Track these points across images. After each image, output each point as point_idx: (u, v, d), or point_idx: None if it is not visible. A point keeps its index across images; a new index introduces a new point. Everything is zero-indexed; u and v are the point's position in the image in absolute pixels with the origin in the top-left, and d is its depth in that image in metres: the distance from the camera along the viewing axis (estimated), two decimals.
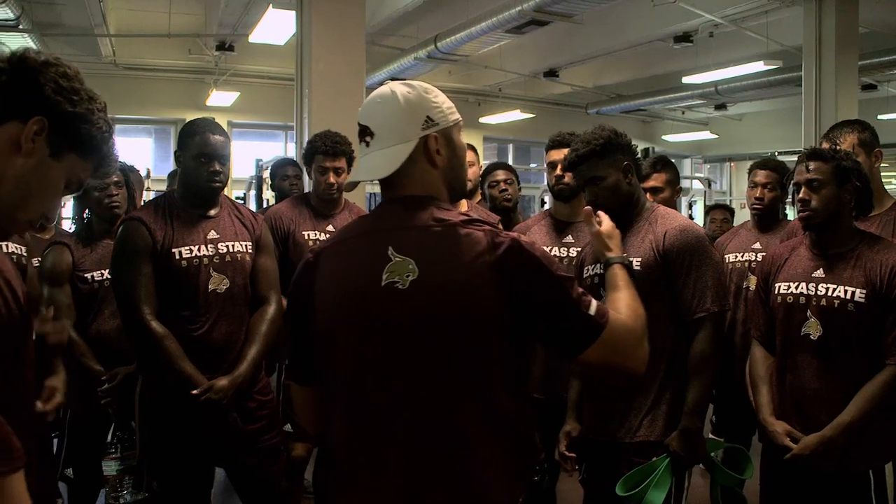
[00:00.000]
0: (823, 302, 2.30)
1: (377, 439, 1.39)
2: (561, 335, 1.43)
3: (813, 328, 2.31)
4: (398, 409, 1.38)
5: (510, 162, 11.33)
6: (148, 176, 9.37)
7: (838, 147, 2.60)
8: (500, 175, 3.74)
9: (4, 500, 0.92)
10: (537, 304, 1.39)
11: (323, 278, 1.44)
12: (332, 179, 3.28)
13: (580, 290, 1.44)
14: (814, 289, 2.33)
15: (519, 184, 3.87)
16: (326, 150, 3.27)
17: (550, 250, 2.97)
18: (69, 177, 1.22)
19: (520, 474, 1.45)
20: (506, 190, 3.69)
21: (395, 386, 1.38)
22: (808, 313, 2.32)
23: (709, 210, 5.58)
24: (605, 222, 2.02)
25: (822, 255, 2.37)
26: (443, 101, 1.48)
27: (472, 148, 4.33)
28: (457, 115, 1.50)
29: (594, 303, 1.44)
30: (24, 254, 2.78)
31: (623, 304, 1.57)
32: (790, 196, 2.56)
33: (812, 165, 2.35)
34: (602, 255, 1.94)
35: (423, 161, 1.45)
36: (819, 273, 2.34)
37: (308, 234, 3.29)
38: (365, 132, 1.46)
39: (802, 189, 2.36)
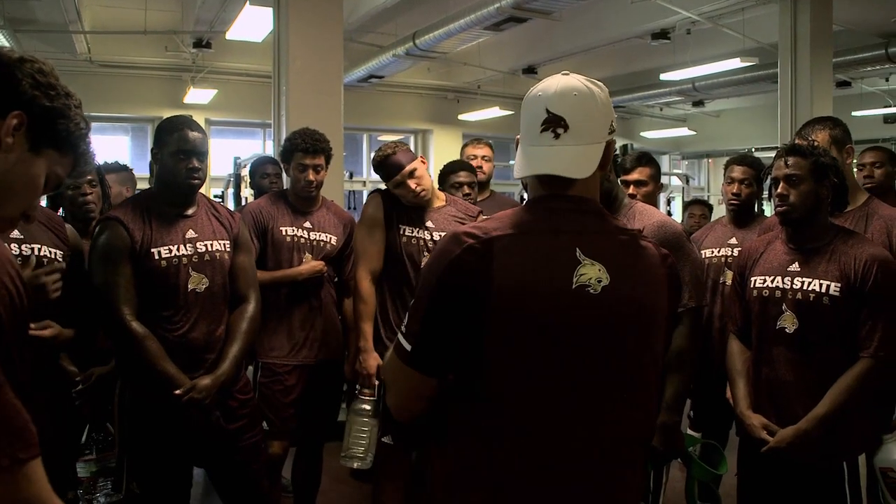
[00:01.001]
0: (799, 296, 2.33)
1: (557, 437, 1.35)
2: None
3: (788, 321, 2.34)
4: (582, 412, 1.35)
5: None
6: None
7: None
8: (463, 177, 3.78)
9: (25, 486, 0.95)
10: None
11: (505, 270, 1.31)
12: (311, 177, 3.26)
13: None
14: (789, 283, 2.36)
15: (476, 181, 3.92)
16: (307, 147, 3.23)
17: None
18: (48, 174, 1.20)
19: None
20: (469, 194, 3.72)
21: (582, 390, 1.35)
22: (784, 307, 2.35)
23: (687, 205, 5.61)
24: None
25: (798, 250, 2.40)
26: None
27: (489, 144, 4.39)
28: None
29: None
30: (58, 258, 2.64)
31: None
32: (767, 191, 2.59)
33: (791, 161, 2.37)
34: None
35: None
36: (794, 267, 2.37)
37: (286, 230, 3.27)
38: (559, 123, 1.36)
39: (780, 184, 2.38)
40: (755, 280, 2.45)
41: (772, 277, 2.41)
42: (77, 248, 2.60)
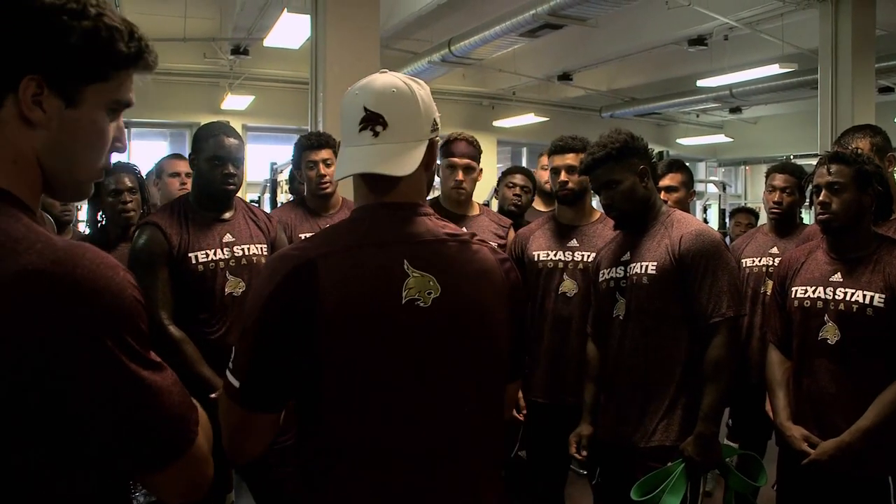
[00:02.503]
0: (841, 307, 2.28)
1: (398, 450, 1.31)
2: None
3: (830, 333, 2.29)
4: (423, 424, 1.32)
5: (524, 165, 11.32)
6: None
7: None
8: (519, 179, 3.75)
9: (204, 452, 0.98)
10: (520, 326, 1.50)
11: (331, 291, 1.25)
12: (323, 171, 3.25)
13: None
14: (831, 293, 2.31)
15: (535, 191, 3.86)
16: (311, 144, 3.23)
17: (554, 254, 2.97)
18: (108, 105, 1.00)
19: (499, 476, 1.48)
20: (519, 196, 3.70)
21: (421, 403, 1.32)
22: (826, 318, 2.30)
23: (733, 213, 5.50)
24: None
25: (840, 259, 2.35)
26: None
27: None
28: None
29: None
30: None
31: None
32: (808, 198, 2.54)
33: (833, 168, 2.33)
34: None
35: (420, 165, 1.35)
36: (837, 277, 2.33)
37: (305, 237, 3.27)
38: (377, 121, 1.32)
39: (822, 192, 2.33)
40: (796, 290, 2.41)
41: (813, 288, 2.36)
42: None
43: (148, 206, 3.25)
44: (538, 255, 3.00)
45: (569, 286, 2.89)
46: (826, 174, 2.34)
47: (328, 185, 3.28)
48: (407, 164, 1.32)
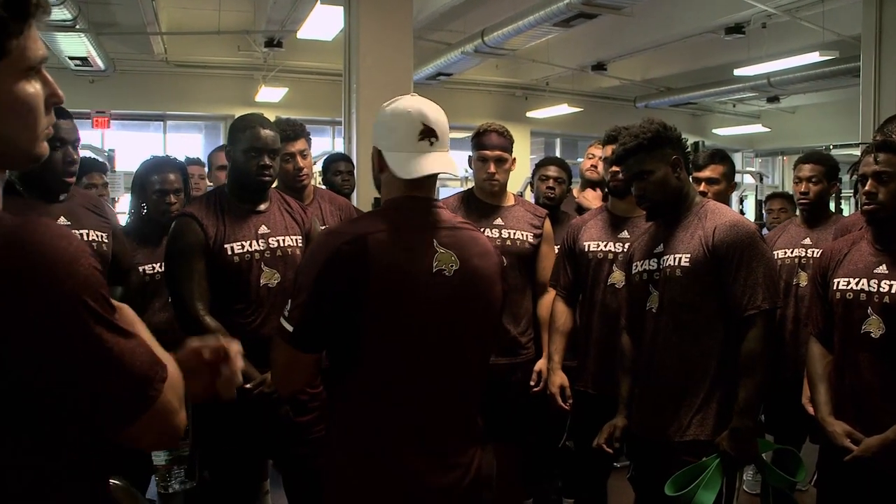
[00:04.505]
0: (886, 299, 2.22)
1: (419, 388, 1.68)
2: None
3: (874, 326, 2.23)
4: (439, 367, 1.69)
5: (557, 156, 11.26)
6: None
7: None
8: (552, 171, 3.70)
9: (168, 402, 1.04)
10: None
11: (378, 259, 1.60)
12: (300, 163, 3.18)
13: None
14: (875, 285, 2.25)
15: (570, 181, 3.83)
16: (286, 135, 3.06)
17: (605, 245, 2.97)
18: (21, 74, 0.97)
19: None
20: (553, 188, 3.66)
21: (438, 349, 1.68)
22: (869, 310, 2.24)
23: (767, 199, 5.39)
24: None
25: (886, 251, 2.29)
26: None
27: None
28: None
29: None
30: (105, 240, 2.67)
31: None
32: (853, 188, 2.48)
33: (881, 157, 2.26)
34: None
35: None
36: (882, 269, 2.26)
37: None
38: (432, 133, 1.69)
39: (869, 181, 2.27)
40: (838, 282, 2.35)
41: (856, 279, 2.30)
42: (115, 227, 2.71)
43: (189, 199, 3.29)
44: (589, 246, 3.01)
45: (618, 277, 2.87)
46: (873, 163, 2.27)
47: (306, 177, 3.23)
48: (454, 167, 1.79)
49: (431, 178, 1.74)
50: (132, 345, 1.00)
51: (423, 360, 1.67)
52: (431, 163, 1.70)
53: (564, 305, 3.05)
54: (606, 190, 3.12)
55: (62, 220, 2.43)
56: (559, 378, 2.95)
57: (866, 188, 2.27)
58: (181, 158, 3.82)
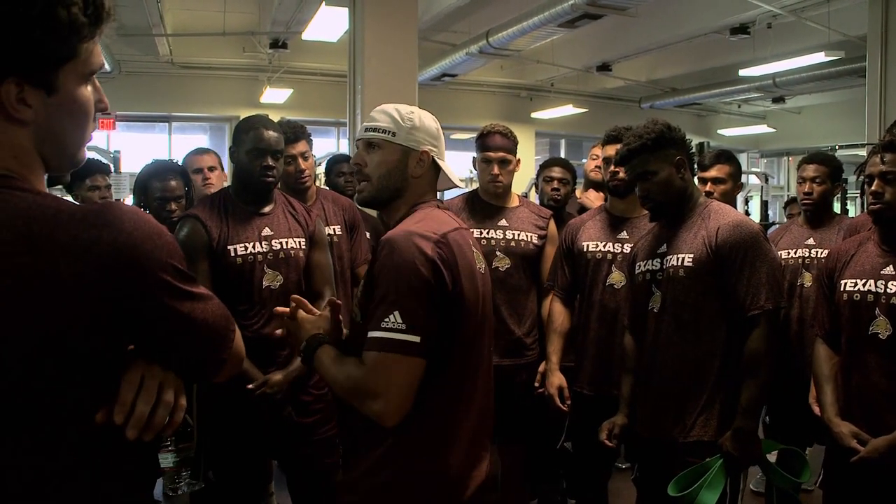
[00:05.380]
0: (894, 300, 2.21)
1: (479, 374, 1.72)
2: None
3: (882, 327, 2.23)
4: (487, 362, 1.76)
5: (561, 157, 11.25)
6: None
7: None
8: (557, 172, 3.66)
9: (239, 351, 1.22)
10: None
11: (458, 258, 1.62)
12: (302, 165, 3.15)
13: None
14: (883, 286, 2.25)
15: (575, 182, 3.81)
16: (287, 137, 2.96)
17: (604, 245, 2.96)
18: (83, 77, 1.02)
19: None
20: (558, 189, 3.63)
21: (485, 349, 1.76)
22: (877, 311, 2.24)
23: (787, 203, 5.41)
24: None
25: (893, 251, 2.28)
26: None
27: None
28: None
29: None
30: None
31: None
32: (859, 188, 2.48)
33: (888, 157, 2.25)
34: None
35: None
36: (889, 270, 2.26)
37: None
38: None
39: (875, 181, 2.26)
40: (845, 283, 2.34)
41: (864, 280, 2.29)
42: None
43: (192, 202, 3.29)
44: (587, 246, 3.00)
45: (617, 278, 2.87)
46: (880, 163, 2.27)
47: (308, 178, 3.20)
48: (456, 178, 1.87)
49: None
50: (209, 294, 1.15)
51: (479, 360, 1.72)
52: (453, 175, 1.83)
53: (562, 306, 3.04)
54: (608, 188, 3.11)
55: None
56: (557, 379, 2.94)
57: (873, 188, 2.26)
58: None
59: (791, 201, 5.47)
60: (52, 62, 0.97)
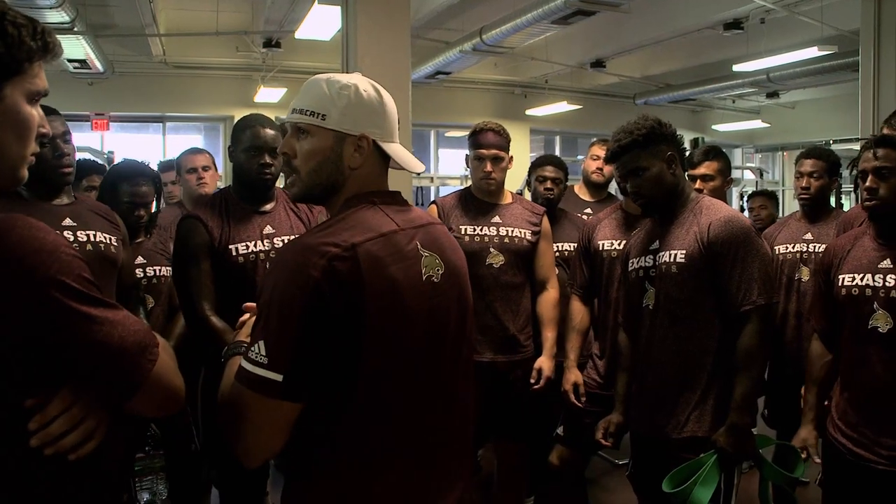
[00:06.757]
0: (893, 293, 2.22)
1: (420, 417, 1.43)
2: None
3: (881, 320, 2.23)
4: (444, 381, 1.47)
5: (557, 154, 11.24)
6: None
7: None
8: (550, 172, 3.59)
9: (163, 375, 1.10)
10: None
11: (372, 273, 1.33)
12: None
13: None
14: (881, 280, 2.25)
15: (567, 179, 3.81)
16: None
17: (619, 244, 3.00)
18: (27, 95, 1.08)
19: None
20: (551, 189, 3.57)
21: (439, 367, 1.45)
22: (875, 305, 2.24)
23: (750, 197, 5.47)
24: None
25: (889, 245, 2.29)
26: None
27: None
28: None
29: None
30: (114, 243, 2.57)
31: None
32: (853, 183, 2.49)
33: (881, 152, 2.26)
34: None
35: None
36: (886, 263, 2.26)
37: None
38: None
39: (869, 177, 2.27)
40: (843, 278, 2.35)
41: (861, 275, 2.30)
42: (125, 237, 2.66)
43: (159, 209, 3.26)
44: (603, 245, 3.06)
45: None
46: (872, 159, 2.27)
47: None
48: (416, 165, 1.57)
49: (386, 174, 1.52)
50: (121, 316, 1.06)
51: (426, 382, 1.42)
52: (410, 160, 1.53)
53: (581, 304, 3.10)
54: (619, 189, 3.13)
55: (67, 222, 2.42)
56: (573, 375, 2.98)
57: (867, 184, 2.27)
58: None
59: (752, 195, 5.47)
60: (1, 72, 1.04)
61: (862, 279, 2.29)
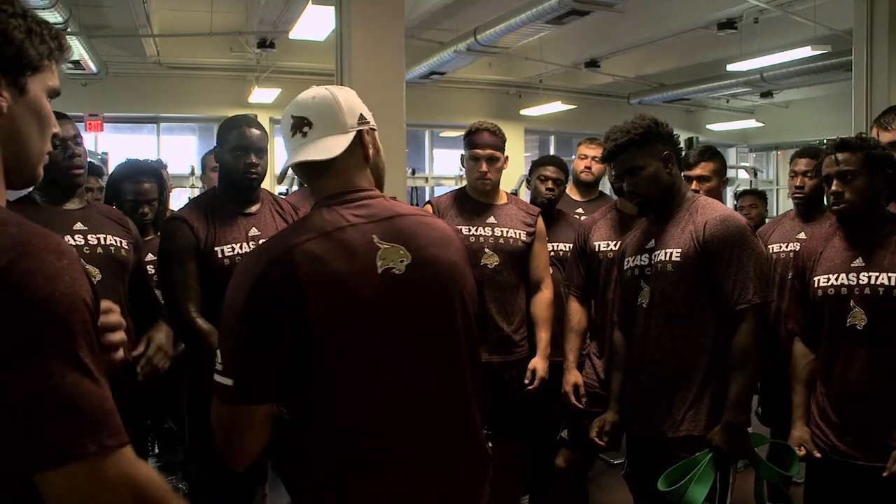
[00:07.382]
0: (867, 290, 2.27)
1: (399, 416, 1.44)
2: None
3: (858, 318, 2.28)
4: (416, 385, 1.46)
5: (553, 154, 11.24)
6: (192, 173, 9.55)
7: (875, 135, 2.56)
8: (552, 172, 3.56)
9: (116, 473, 0.93)
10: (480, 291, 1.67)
11: (312, 274, 1.37)
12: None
13: None
14: (854, 278, 2.30)
15: (567, 180, 3.81)
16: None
17: (614, 244, 2.99)
18: (46, 91, 1.10)
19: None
20: (553, 189, 3.55)
21: (412, 364, 1.45)
22: (852, 303, 2.29)
23: (739, 196, 5.49)
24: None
25: (858, 245, 2.34)
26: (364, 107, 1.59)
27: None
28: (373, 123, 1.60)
29: None
30: (125, 246, 2.58)
31: None
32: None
33: (841, 157, 2.31)
34: None
35: (358, 155, 1.53)
36: (858, 262, 2.32)
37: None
38: (303, 122, 1.51)
39: (834, 181, 2.32)
40: (818, 279, 2.39)
41: (836, 275, 2.35)
42: (138, 240, 2.67)
43: (164, 209, 3.26)
44: (599, 246, 3.06)
45: None
46: (834, 163, 2.32)
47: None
48: (332, 150, 1.49)
49: (346, 168, 1.52)
50: (92, 388, 0.92)
51: (392, 374, 1.43)
52: (295, 152, 1.52)
53: (579, 305, 3.09)
54: (613, 189, 3.14)
55: (78, 226, 2.44)
56: (573, 376, 2.98)
57: (832, 188, 2.33)
58: (176, 161, 3.80)
59: (741, 194, 5.48)
60: (25, 66, 1.06)
61: (837, 279, 2.34)
